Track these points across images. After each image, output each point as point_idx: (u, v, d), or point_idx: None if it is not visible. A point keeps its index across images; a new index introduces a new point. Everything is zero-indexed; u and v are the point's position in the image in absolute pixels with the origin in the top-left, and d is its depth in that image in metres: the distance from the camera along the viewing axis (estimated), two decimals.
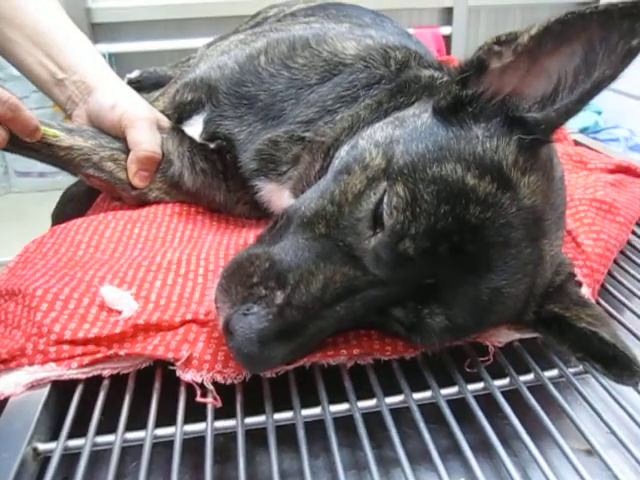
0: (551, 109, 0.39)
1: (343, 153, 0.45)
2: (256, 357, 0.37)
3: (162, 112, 0.68)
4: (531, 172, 0.39)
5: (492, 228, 0.37)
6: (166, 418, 0.39)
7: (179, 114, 0.64)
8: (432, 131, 0.41)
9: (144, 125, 0.63)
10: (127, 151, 0.64)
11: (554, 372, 0.42)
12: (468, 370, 0.43)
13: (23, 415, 0.38)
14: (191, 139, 0.62)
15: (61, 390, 0.41)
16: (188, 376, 0.41)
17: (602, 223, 0.53)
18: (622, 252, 0.57)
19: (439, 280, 0.38)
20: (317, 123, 0.55)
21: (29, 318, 0.44)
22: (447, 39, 1.91)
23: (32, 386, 0.41)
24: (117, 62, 1.89)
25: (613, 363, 0.40)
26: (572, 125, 0.92)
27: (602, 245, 0.51)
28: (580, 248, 0.50)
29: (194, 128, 0.62)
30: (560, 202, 0.44)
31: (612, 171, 0.64)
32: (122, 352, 0.42)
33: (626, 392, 0.41)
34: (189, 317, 0.45)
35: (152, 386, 0.41)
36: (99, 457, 0.38)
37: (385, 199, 0.38)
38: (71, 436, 0.37)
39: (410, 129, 0.42)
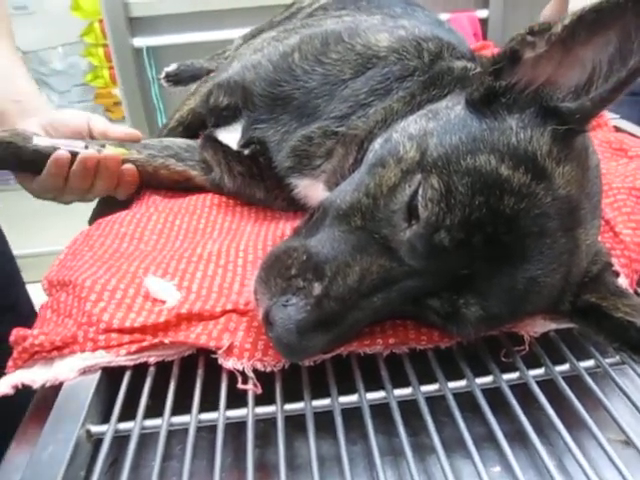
0: (586, 98, 0.38)
1: (377, 146, 0.46)
2: (295, 347, 0.38)
3: (193, 110, 0.69)
4: (566, 162, 0.39)
5: (527, 218, 0.38)
6: (209, 404, 0.41)
7: (216, 118, 0.65)
8: (465, 123, 0.41)
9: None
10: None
11: (590, 362, 0.42)
12: (504, 360, 0.43)
13: (76, 399, 0.41)
14: (225, 146, 0.64)
15: (111, 376, 0.43)
16: (229, 364, 0.42)
17: None
18: None
19: (474, 270, 0.39)
20: (350, 118, 0.55)
21: (80, 307, 0.46)
22: (483, 22, 1.88)
23: (84, 372, 0.43)
24: (155, 55, 1.92)
25: None
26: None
27: None
28: (618, 237, 0.49)
29: (232, 135, 0.63)
30: (596, 191, 0.43)
31: None
32: (167, 340, 0.43)
33: None
34: (229, 307, 0.46)
35: (196, 373, 0.43)
36: (147, 440, 0.40)
37: (420, 191, 0.39)
38: (121, 419, 0.40)
39: (443, 121, 0.42)
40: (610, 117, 0.85)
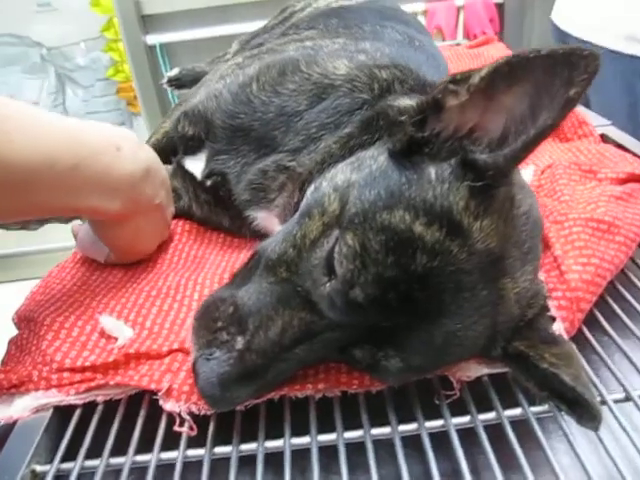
0: (500, 154, 0.38)
1: (309, 193, 0.46)
2: (218, 399, 0.40)
3: (167, 134, 0.70)
4: (485, 216, 0.39)
5: (441, 275, 0.38)
6: (148, 444, 0.43)
7: (184, 146, 0.67)
8: (386, 175, 0.41)
9: None
10: None
11: (517, 411, 0.43)
12: (437, 402, 0.44)
13: (26, 438, 0.44)
14: (191, 175, 0.65)
15: (65, 414, 0.46)
16: (168, 406, 0.44)
17: (596, 245, 0.52)
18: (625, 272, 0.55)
19: (393, 324, 0.39)
20: (302, 152, 0.56)
21: (37, 346, 0.49)
22: (500, 7, 1.82)
23: (37, 410, 0.46)
24: (168, 52, 1.95)
25: (576, 405, 0.40)
26: None
27: (592, 271, 0.50)
28: (563, 277, 0.49)
29: (198, 165, 0.64)
30: (526, 237, 0.43)
31: (624, 181, 0.61)
32: (112, 382, 0.46)
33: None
34: (176, 346, 0.49)
35: (140, 413, 0.46)
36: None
37: (336, 248, 0.40)
38: (65, 459, 0.43)
39: (366, 173, 0.42)
40: (598, 124, 0.83)
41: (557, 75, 0.34)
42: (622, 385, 0.43)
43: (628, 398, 0.43)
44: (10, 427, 0.45)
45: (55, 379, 0.47)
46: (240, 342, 0.40)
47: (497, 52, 1.17)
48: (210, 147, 0.62)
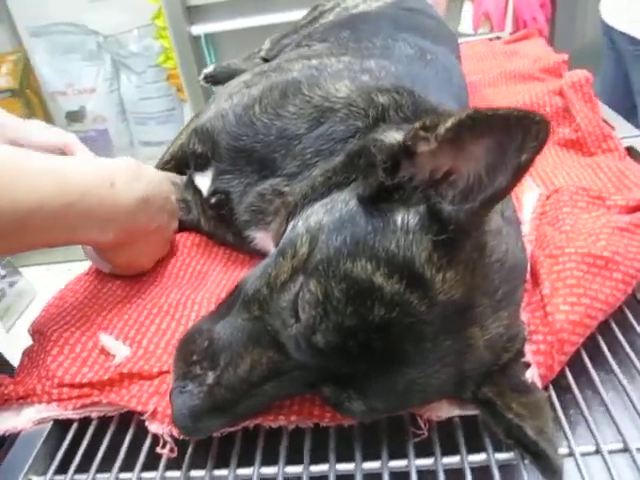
0: (462, 208, 0.38)
1: (288, 230, 0.47)
2: (190, 429, 0.42)
3: (182, 146, 0.72)
4: (449, 268, 0.39)
5: (400, 326, 0.38)
6: (133, 461, 0.46)
7: (194, 162, 0.69)
8: (354, 222, 0.42)
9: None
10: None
11: (482, 456, 0.43)
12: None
13: (26, 448, 0.48)
14: (199, 190, 0.67)
15: (61, 427, 0.51)
16: (153, 427, 0.48)
17: (590, 283, 0.50)
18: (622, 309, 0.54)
19: (355, 370, 0.40)
20: (297, 177, 0.57)
21: (44, 360, 0.54)
22: None
23: (38, 423, 0.50)
24: (213, 43, 1.98)
25: (539, 457, 0.40)
26: None
27: (581, 311, 0.48)
28: (546, 318, 0.48)
29: (204, 181, 0.66)
30: (499, 284, 0.42)
31: (634, 209, 0.58)
32: (105, 400, 0.50)
33: None
34: (166, 368, 0.52)
35: (132, 431, 0.49)
36: None
37: (300, 293, 0.41)
38: (58, 471, 0.47)
39: (336, 217, 0.43)
40: (627, 135, 0.79)
41: (513, 138, 0.34)
42: (594, 436, 0.43)
43: (597, 451, 0.42)
44: (14, 437, 0.50)
45: (56, 394, 0.51)
46: (211, 377, 0.43)
47: (534, 49, 1.12)
48: (216, 166, 0.64)
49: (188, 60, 1.95)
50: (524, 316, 0.49)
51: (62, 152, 0.71)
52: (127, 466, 0.46)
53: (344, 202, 0.44)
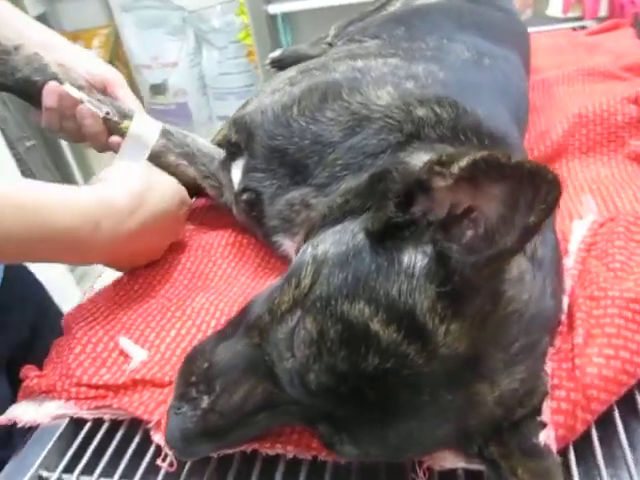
0: (468, 261, 0.34)
1: (299, 253, 0.45)
2: (181, 451, 0.42)
3: (225, 136, 0.71)
4: (454, 319, 0.36)
5: (395, 377, 0.36)
6: (135, 469, 0.47)
7: (228, 151, 0.68)
8: (358, 258, 0.39)
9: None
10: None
11: None
12: None
13: (40, 443, 0.50)
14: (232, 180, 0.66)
15: (76, 425, 0.52)
16: (156, 438, 0.48)
17: (633, 334, 0.44)
18: None
19: (348, 414, 0.38)
20: (325, 190, 0.54)
21: (67, 357, 0.55)
22: None
23: (56, 418, 0.53)
24: (289, 22, 1.96)
25: None
26: None
27: (617, 366, 0.43)
28: (573, 372, 0.43)
29: (236, 172, 0.65)
30: (517, 336, 0.39)
31: None
32: (115, 405, 0.51)
33: None
34: None
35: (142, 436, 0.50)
36: None
37: (296, 329, 0.39)
38: (67, 469, 0.49)
39: (342, 251, 0.40)
40: None
41: (524, 192, 0.30)
42: None
43: None
44: (33, 429, 0.52)
45: (74, 392, 0.53)
46: (205, 401, 0.42)
47: (620, 42, 1.01)
48: (248, 160, 0.63)
49: (264, 38, 1.95)
50: (550, 366, 0.44)
51: (104, 87, 0.70)
52: (130, 471, 0.47)
53: (352, 234, 0.41)
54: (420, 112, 0.53)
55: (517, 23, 0.88)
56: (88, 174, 2.41)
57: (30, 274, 0.86)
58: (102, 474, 0.47)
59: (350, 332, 0.36)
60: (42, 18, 2.61)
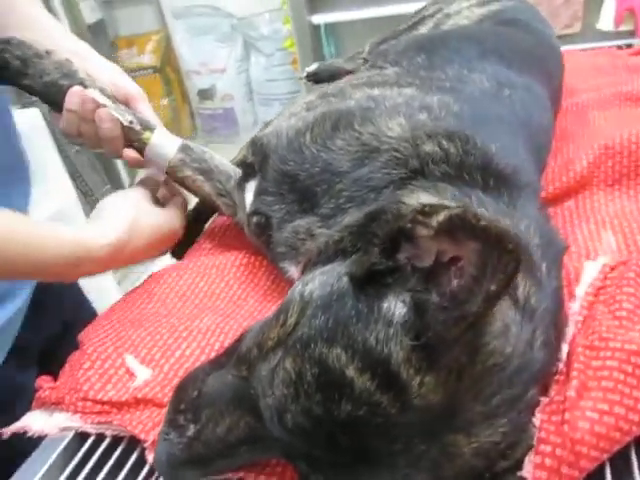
0: (440, 317, 0.34)
1: (290, 290, 0.46)
2: (166, 476, 0.44)
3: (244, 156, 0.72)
4: (429, 371, 0.35)
5: (367, 426, 0.36)
6: None
7: (244, 171, 0.69)
8: (340, 302, 0.39)
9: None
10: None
11: None
12: None
13: (46, 454, 0.53)
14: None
15: (80, 438, 0.55)
16: (150, 458, 0.50)
17: (631, 390, 0.43)
18: None
19: (323, 455, 0.39)
20: (329, 221, 0.55)
21: (76, 371, 0.58)
22: None
23: (63, 430, 0.55)
24: (333, 33, 1.96)
25: None
26: None
27: (611, 423, 0.41)
28: (562, 427, 0.42)
29: (249, 194, 0.66)
30: (497, 390, 0.38)
31: None
32: (116, 422, 0.53)
33: None
34: None
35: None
36: None
37: (277, 368, 0.40)
38: None
39: (326, 292, 0.41)
40: None
41: (489, 257, 0.30)
42: None
43: None
44: (39, 440, 0.55)
45: (80, 406, 0.55)
46: (191, 430, 0.43)
47: None
48: (260, 182, 0.64)
49: (306, 48, 1.96)
50: (539, 418, 0.43)
51: (127, 101, 0.72)
52: None
53: (338, 276, 0.42)
54: (427, 147, 0.53)
55: (548, 46, 0.85)
56: (134, 176, 2.49)
57: None
58: None
59: (326, 377, 0.37)
60: (100, 24, 2.72)
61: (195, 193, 0.71)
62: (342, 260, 0.45)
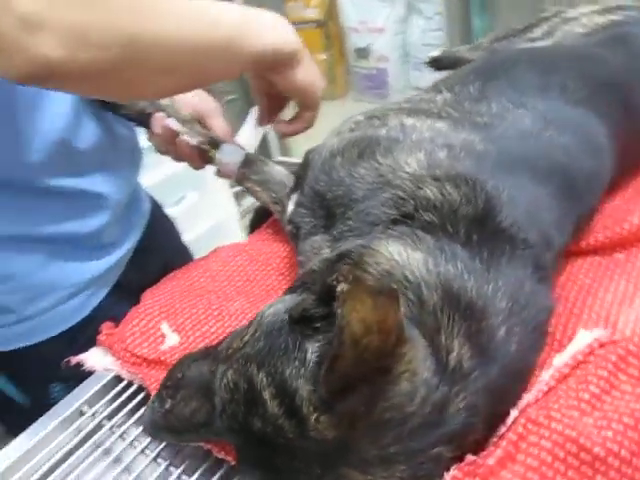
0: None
1: (262, 308, 0.52)
2: (150, 434, 0.55)
3: None
4: (325, 412, 0.41)
5: (274, 443, 0.43)
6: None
7: (295, 182, 0.74)
8: (278, 333, 0.45)
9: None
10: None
11: None
12: None
13: (89, 386, 0.68)
14: None
15: (117, 380, 0.69)
16: None
17: (552, 472, 0.43)
18: None
19: (247, 453, 0.47)
20: (335, 244, 0.59)
21: (127, 324, 0.71)
22: None
23: (108, 369, 0.69)
24: (486, 3, 1.85)
25: None
26: None
27: None
28: None
29: (291, 204, 0.71)
30: (392, 441, 0.42)
31: None
32: (140, 375, 0.65)
33: None
34: None
35: None
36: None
37: (225, 374, 0.47)
38: (98, 412, 0.65)
39: (272, 321, 0.47)
40: None
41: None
42: None
43: None
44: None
45: (122, 355, 0.68)
46: (168, 404, 0.53)
47: None
48: (299, 194, 0.69)
49: (454, 16, 1.89)
50: (452, 474, 0.45)
51: (202, 117, 0.80)
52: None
53: (285, 309, 0.47)
54: (428, 190, 0.54)
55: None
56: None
57: (170, 222, 1.07)
58: (118, 423, 0.63)
59: (251, 394, 0.44)
60: None
61: (257, 199, 0.80)
62: (300, 294, 0.50)
